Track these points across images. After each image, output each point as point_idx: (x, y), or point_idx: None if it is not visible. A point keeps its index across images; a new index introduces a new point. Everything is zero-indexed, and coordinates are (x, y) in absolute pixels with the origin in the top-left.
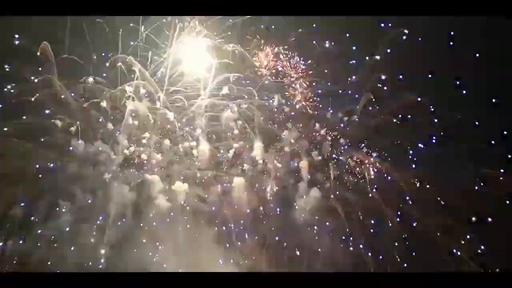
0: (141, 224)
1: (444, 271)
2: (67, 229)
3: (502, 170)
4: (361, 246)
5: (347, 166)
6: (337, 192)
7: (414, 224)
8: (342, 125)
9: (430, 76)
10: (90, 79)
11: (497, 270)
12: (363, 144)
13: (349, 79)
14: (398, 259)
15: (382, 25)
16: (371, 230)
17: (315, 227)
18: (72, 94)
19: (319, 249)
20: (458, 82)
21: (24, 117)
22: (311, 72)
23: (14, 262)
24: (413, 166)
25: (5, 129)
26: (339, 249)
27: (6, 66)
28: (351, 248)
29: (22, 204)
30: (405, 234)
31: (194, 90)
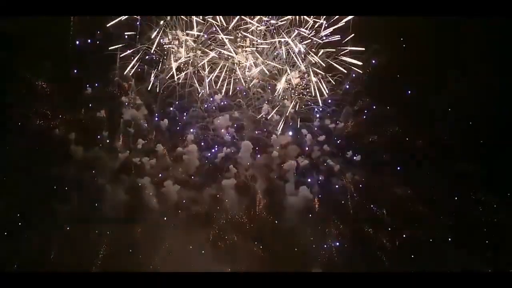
0: (135, 227)
1: (444, 271)
2: (64, 232)
3: None
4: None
5: (332, 171)
6: (323, 195)
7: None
8: (328, 132)
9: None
10: (89, 90)
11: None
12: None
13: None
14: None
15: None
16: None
17: (302, 227)
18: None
19: (308, 249)
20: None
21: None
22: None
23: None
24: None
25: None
26: (326, 249)
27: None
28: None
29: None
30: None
31: (187, 102)
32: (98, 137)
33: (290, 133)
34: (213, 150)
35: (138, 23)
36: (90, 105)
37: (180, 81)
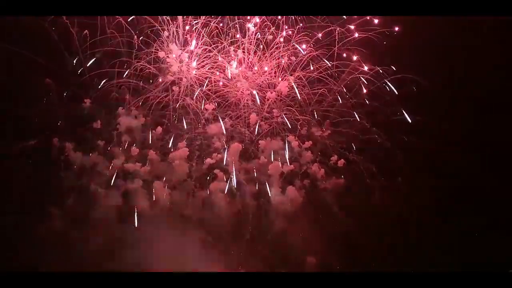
0: (130, 230)
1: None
2: (60, 234)
3: None
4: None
5: (317, 175)
6: (309, 198)
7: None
8: (313, 139)
9: None
10: (87, 102)
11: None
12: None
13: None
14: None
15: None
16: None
17: (290, 229)
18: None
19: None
20: None
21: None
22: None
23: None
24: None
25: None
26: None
27: None
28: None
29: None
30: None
31: (180, 113)
32: (95, 145)
33: (278, 140)
34: (203, 157)
35: (135, 37)
36: (88, 116)
37: (173, 96)
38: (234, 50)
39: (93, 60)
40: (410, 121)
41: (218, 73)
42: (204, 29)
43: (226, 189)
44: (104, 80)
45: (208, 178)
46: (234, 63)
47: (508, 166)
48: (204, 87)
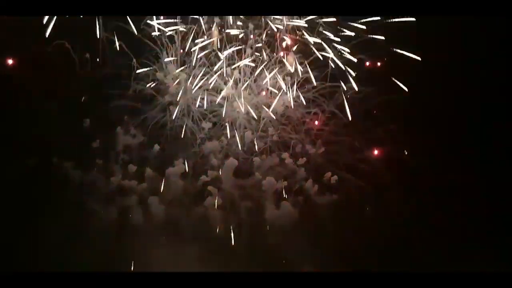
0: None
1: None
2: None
3: None
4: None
5: (311, 191)
6: (304, 213)
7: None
8: (308, 156)
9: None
10: (87, 122)
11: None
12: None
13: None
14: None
15: None
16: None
17: (285, 244)
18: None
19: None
20: None
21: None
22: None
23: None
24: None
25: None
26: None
27: None
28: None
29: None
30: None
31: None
32: (94, 164)
33: (272, 157)
34: (199, 174)
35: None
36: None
37: (170, 116)
38: (231, 70)
39: (93, 81)
40: (401, 137)
41: (215, 93)
42: (202, 51)
43: (221, 205)
44: (104, 101)
45: (203, 194)
46: (231, 83)
47: (501, 176)
48: (204, 106)
